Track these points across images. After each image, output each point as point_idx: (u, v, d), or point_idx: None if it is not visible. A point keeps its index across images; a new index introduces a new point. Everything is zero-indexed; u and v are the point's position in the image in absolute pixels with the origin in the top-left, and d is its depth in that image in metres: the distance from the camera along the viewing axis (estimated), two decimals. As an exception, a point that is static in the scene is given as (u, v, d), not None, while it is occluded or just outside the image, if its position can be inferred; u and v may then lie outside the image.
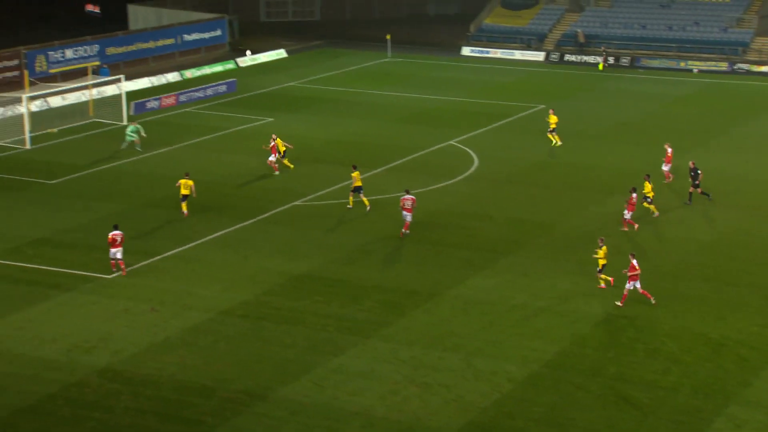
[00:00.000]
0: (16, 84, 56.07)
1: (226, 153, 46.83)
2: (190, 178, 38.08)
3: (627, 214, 36.19)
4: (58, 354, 26.96)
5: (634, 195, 36.04)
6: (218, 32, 73.18)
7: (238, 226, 37.33)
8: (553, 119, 48.68)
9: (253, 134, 49.86)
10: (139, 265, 33.33)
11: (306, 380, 26.01)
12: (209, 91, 58.83)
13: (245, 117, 54.04)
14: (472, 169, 45.18)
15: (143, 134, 43.12)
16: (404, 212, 35.80)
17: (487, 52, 73.07)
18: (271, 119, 53.96)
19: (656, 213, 37.72)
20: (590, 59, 70.49)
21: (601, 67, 68.34)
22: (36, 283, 31.57)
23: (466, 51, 73.75)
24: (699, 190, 39.20)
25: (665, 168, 42.07)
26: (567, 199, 40.16)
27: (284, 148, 43.82)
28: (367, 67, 68.95)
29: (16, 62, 58.30)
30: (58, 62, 60.56)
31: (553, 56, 71.55)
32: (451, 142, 49.50)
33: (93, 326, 28.71)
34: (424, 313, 30.25)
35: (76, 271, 32.54)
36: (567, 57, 71.36)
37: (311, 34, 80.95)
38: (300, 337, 28.46)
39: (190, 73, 64.65)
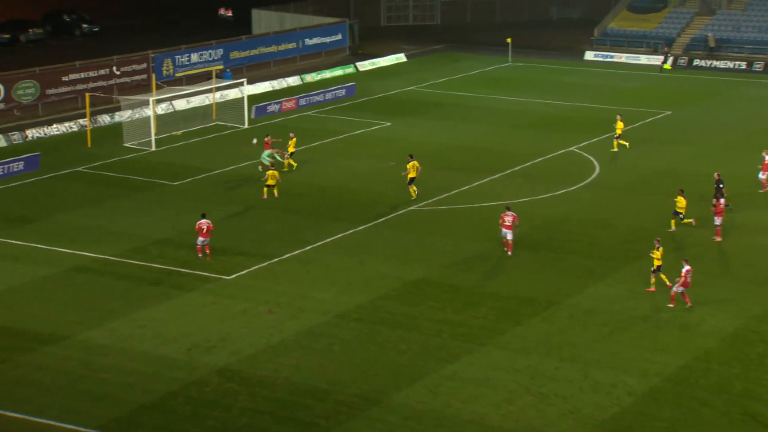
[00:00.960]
0: (144, 87, 58.04)
1: (343, 157, 47.35)
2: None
3: (717, 221, 36.03)
4: (179, 353, 27.75)
5: (722, 201, 36.15)
6: (339, 36, 74.11)
7: (354, 230, 37.68)
8: (619, 125, 47.73)
9: (372, 138, 50.25)
10: (257, 267, 33.99)
11: (420, 386, 26.03)
12: (329, 95, 59.60)
13: (364, 121, 54.51)
14: (594, 176, 44.41)
15: (279, 158, 43.23)
16: (504, 230, 34.51)
17: (611, 57, 71.71)
18: (388, 123, 54.29)
19: (693, 223, 37.06)
20: (721, 64, 68.35)
21: (668, 66, 66.77)
22: (159, 282, 32.59)
23: (589, 55, 72.54)
24: (723, 201, 37.50)
25: (762, 176, 41.07)
26: (692, 209, 39.05)
27: (293, 150, 44.57)
28: (488, 72, 68.61)
29: (144, 66, 60.35)
30: (184, 66, 62.39)
31: (681, 61, 69.64)
32: (572, 149, 48.79)
33: (212, 326, 29.44)
34: (542, 321, 29.89)
35: (197, 272, 33.44)
36: (696, 62, 69.37)
37: (431, 38, 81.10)
38: (414, 342, 28.51)
39: (310, 77, 65.66)
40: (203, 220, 34.16)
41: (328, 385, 26.09)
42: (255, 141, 47.50)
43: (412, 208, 39.99)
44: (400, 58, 72.81)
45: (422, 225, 38.28)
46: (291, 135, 45.48)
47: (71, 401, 25.13)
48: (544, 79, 65.78)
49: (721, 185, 37.75)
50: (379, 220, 38.76)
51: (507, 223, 34.62)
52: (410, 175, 39.57)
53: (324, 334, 29.11)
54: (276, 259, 34.66)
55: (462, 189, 42.56)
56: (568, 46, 74.18)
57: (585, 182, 43.43)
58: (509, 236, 34.67)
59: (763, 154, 41.40)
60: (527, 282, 32.57)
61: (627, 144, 47.97)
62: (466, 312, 30.52)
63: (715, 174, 38.78)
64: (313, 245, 36.08)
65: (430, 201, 40.83)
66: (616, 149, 47.77)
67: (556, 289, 32.08)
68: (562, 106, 57.57)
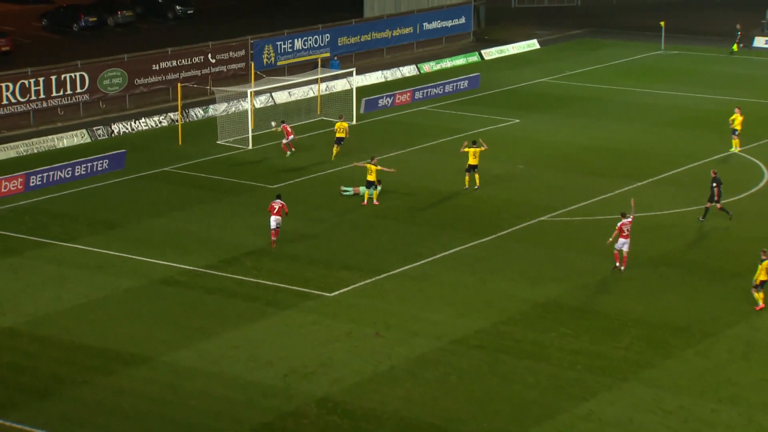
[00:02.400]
0: (242, 77, 59.16)
1: (464, 158, 47.24)
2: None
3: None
4: (275, 379, 28.11)
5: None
6: (462, 20, 74.12)
7: (475, 243, 37.53)
8: (738, 119, 46.19)
9: (497, 138, 50.04)
10: (364, 283, 34.19)
11: (549, 426, 25.71)
12: (449, 88, 59.63)
13: (489, 117, 54.34)
14: (761, 184, 43.22)
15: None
16: (621, 240, 34.06)
17: (786, 43, 69.72)
18: (517, 120, 53.96)
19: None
20: None
21: (735, 48, 65.45)
22: (254, 298, 33.10)
23: (759, 42, 70.62)
24: (719, 205, 37.91)
25: None
26: None
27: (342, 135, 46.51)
28: (636, 61, 67.55)
29: (242, 53, 61.52)
30: (287, 54, 63.39)
31: None
32: (734, 151, 47.58)
33: (312, 349, 29.72)
34: (696, 355, 29.20)
35: (296, 287, 33.84)
36: None
37: (569, 22, 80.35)
38: (543, 375, 28.20)
39: (428, 67, 65.83)
40: (277, 200, 36.14)
41: (442, 422, 25.98)
42: (274, 124, 48.68)
43: (543, 218, 39.63)
44: (533, 44, 72.33)
45: (555, 238, 37.86)
46: (340, 116, 48.12)
47: (154, 430, 25.70)
48: (702, 70, 64.34)
49: (714, 185, 38.20)
50: (503, 232, 38.54)
51: (626, 233, 34.28)
52: (471, 162, 41.34)
53: (439, 362, 29.02)
54: (385, 275, 34.79)
55: (602, 197, 41.94)
56: (732, 31, 72.28)
57: (751, 191, 42.28)
58: (625, 248, 34.32)
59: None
60: (679, 308, 31.85)
61: (735, 147, 46.41)
62: (606, 341, 30.03)
63: (711, 171, 38.98)
64: (428, 259, 36.06)
65: (564, 210, 40.37)
66: (738, 149, 46.26)
67: (713, 318, 31.27)
68: (722, 102, 56.19)
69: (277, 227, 36.55)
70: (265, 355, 29.33)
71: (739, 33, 68.24)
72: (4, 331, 30.44)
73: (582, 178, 44.37)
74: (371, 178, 41.04)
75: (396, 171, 42.27)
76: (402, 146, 49.38)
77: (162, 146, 49.64)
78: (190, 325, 31.05)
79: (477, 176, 42.31)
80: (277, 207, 36.17)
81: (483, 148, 42.40)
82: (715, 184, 38.51)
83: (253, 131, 50.04)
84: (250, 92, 51.62)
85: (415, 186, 43.70)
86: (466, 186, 42.31)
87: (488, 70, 64.95)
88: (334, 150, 47.25)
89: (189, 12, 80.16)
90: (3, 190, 41.76)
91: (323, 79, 58.02)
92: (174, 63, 58.32)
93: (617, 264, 34.62)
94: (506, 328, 30.91)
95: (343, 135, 46.90)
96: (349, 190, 42.11)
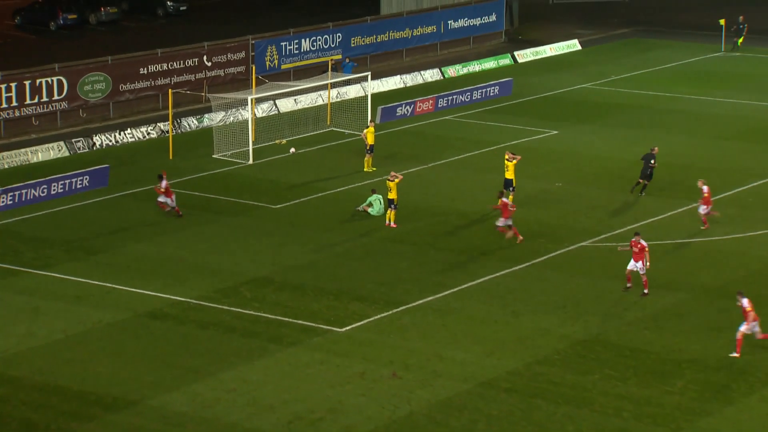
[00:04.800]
0: (241, 83, 59.44)
1: (494, 174, 47.30)
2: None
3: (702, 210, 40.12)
4: (277, 426, 28.10)
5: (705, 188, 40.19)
6: (492, 18, 74.31)
7: (506, 271, 37.52)
8: None
9: (533, 151, 50.06)
10: (379, 316, 34.21)
11: (591, 483, 25.65)
12: (477, 95, 59.73)
13: (522, 128, 54.38)
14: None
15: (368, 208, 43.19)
16: (632, 261, 34.98)
17: None
18: (555, 132, 53.98)
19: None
20: None
21: (740, 42, 66.96)
22: (253, 333, 33.17)
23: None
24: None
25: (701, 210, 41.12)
26: None
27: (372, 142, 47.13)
28: (691, 64, 67.53)
29: (242, 55, 61.78)
30: (292, 56, 63.66)
31: None
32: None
33: (320, 392, 29.72)
34: (761, 401, 29.11)
35: (301, 321, 33.87)
36: None
37: (614, 20, 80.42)
38: (585, 423, 28.12)
39: (453, 71, 65.99)
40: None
41: (468, 476, 25.99)
42: (293, 150, 49.31)
43: (583, 243, 39.59)
44: (573, 45, 72.41)
45: (597, 266, 37.80)
46: (372, 121, 48.27)
47: (139, 484, 25.79)
48: None
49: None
50: (539, 259, 38.52)
51: (637, 250, 34.85)
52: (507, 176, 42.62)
53: (465, 407, 28.99)
54: (403, 307, 34.80)
55: (652, 220, 41.87)
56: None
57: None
58: (640, 269, 34.97)
59: (699, 184, 41.01)
60: (743, 348, 31.66)
61: None
62: (657, 385, 29.94)
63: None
64: (452, 290, 36.07)
65: (608, 235, 40.32)
66: None
67: (780, 358, 31.17)
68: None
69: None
70: (267, 399, 29.33)
71: (744, 27, 68.21)
72: (-30, 371, 30.63)
73: (629, 198, 44.29)
74: (392, 196, 41.13)
75: (402, 178, 42.08)
76: (423, 161, 49.45)
77: (150, 160, 49.85)
78: (181, 365, 31.10)
79: (511, 195, 42.25)
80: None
81: (517, 159, 42.43)
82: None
83: (254, 144, 50.22)
84: (251, 100, 51.84)
85: (438, 206, 43.73)
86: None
87: (522, 74, 65.03)
88: (368, 160, 47.49)
89: (182, 9, 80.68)
90: (-30, 210, 42.09)
91: (334, 85, 58.22)
92: (164, 66, 58.67)
93: (628, 285, 35.22)
94: (542, 369, 30.83)
95: (372, 142, 47.34)
96: (369, 209, 42.18)
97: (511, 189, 42.24)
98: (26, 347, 31.96)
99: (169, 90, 53.23)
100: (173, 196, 42.38)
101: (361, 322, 33.81)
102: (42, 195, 44.08)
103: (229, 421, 28.31)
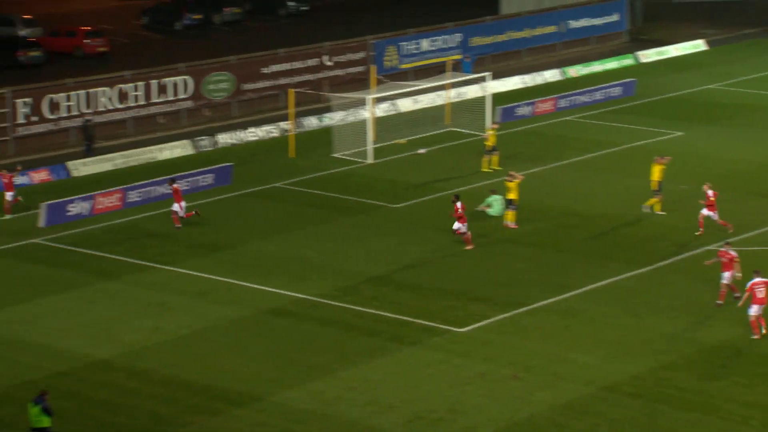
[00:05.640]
0: (361, 82, 59.77)
1: (617, 176, 46.83)
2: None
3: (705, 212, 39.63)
4: (397, 425, 28.20)
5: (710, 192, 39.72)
6: (615, 17, 73.57)
7: (630, 274, 37.15)
8: None
9: (657, 152, 49.35)
10: (500, 317, 34.13)
11: (716, 490, 25.26)
12: (599, 95, 59.23)
13: (646, 129, 53.74)
14: None
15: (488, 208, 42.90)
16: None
17: None
18: (680, 133, 53.22)
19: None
20: None
21: None
22: (374, 332, 33.34)
23: None
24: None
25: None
26: None
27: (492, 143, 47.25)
28: (819, 64, 66.04)
29: (361, 55, 62.18)
30: (412, 55, 63.84)
31: None
32: None
33: (440, 392, 29.74)
34: None
35: (421, 321, 33.93)
36: None
37: (742, 19, 78.95)
38: (711, 431, 27.74)
39: (574, 71, 65.51)
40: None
41: (590, 480, 25.80)
42: (422, 151, 49.18)
43: (710, 247, 38.98)
44: (698, 45, 71.32)
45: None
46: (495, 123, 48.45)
47: (263, 478, 26.14)
48: None
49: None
50: (664, 262, 38.08)
51: (726, 260, 34.07)
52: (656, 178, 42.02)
53: (587, 411, 28.77)
54: (524, 309, 34.68)
55: (781, 223, 41.13)
56: None
57: None
58: (728, 279, 33.99)
59: (705, 188, 40.17)
60: None
61: None
62: (785, 392, 29.42)
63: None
64: (574, 292, 35.84)
65: (736, 239, 39.59)
66: None
67: None
68: None
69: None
70: (387, 398, 29.46)
71: None
72: (100, 364, 31.27)
73: (758, 201, 43.50)
74: (511, 196, 41.01)
75: (522, 179, 41.89)
76: (543, 161, 49.18)
77: (272, 159, 50.49)
78: (303, 362, 31.43)
79: (657, 201, 41.89)
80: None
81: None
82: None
83: (374, 143, 50.46)
84: (370, 99, 52.06)
85: (559, 207, 43.45)
86: (659, 212, 42.06)
87: (645, 74, 64.25)
88: (493, 160, 47.48)
89: (303, 9, 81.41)
90: (98, 206, 43.04)
91: (454, 85, 58.20)
92: (286, 66, 59.33)
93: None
94: (667, 374, 30.44)
95: (494, 143, 47.55)
96: (488, 209, 42.12)
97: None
98: (154, 341, 32.63)
99: (291, 90, 53.80)
100: (183, 203, 41.44)
101: (481, 323, 33.76)
102: (168, 192, 44.85)
103: (349, 418, 28.50)
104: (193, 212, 41.83)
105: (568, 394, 29.51)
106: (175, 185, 41.78)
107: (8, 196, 42.42)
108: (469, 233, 39.26)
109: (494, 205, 42.24)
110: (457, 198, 39.60)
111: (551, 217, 42.47)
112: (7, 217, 41.92)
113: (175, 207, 41.37)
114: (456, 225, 39.25)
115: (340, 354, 31.88)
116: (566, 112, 57.30)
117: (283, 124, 54.27)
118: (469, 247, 39.19)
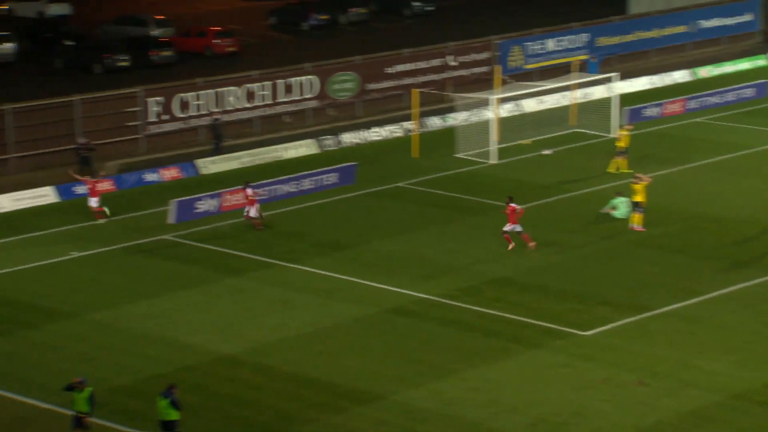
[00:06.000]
0: (485, 82, 59.64)
1: (750, 179, 45.96)
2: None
3: (508, 227, 38.93)
4: (520, 427, 28.08)
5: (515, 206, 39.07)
6: (748, 17, 72.14)
7: (761, 280, 36.49)
8: None
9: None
10: (625, 321, 33.76)
11: None
12: (730, 96, 58.22)
13: (779, 132, 52.75)
14: None
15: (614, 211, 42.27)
16: None
17: None
18: (815, 135, 52.07)
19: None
20: None
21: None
22: (495, 333, 33.26)
23: None
24: None
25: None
26: None
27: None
28: None
29: (486, 55, 62.05)
30: (537, 55, 63.48)
31: None
32: None
33: (563, 396, 29.55)
34: None
35: (544, 323, 33.76)
36: None
37: None
38: (843, 442, 27.07)
39: (705, 72, 64.44)
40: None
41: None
42: (548, 152, 48.72)
43: (844, 253, 38.02)
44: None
45: None
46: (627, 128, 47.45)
47: (385, 477, 26.28)
48: None
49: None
50: (796, 268, 37.35)
51: None
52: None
53: (715, 419, 28.31)
54: (650, 313, 34.25)
55: None
56: None
57: None
58: None
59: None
60: None
61: None
62: None
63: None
64: (703, 297, 35.31)
65: None
66: None
67: None
68: None
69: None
70: (509, 400, 29.39)
71: None
72: (226, 359, 31.76)
73: None
74: (637, 198, 40.50)
75: (650, 181, 41.31)
76: (672, 163, 48.49)
77: (395, 159, 50.69)
78: (424, 361, 31.50)
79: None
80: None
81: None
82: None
83: (497, 144, 50.31)
84: (495, 99, 51.92)
85: (688, 211, 42.80)
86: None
87: (779, 75, 62.96)
88: (621, 163, 47.01)
89: (428, 9, 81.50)
90: (225, 204, 43.73)
91: (580, 85, 57.69)
92: (410, 66, 59.50)
93: None
94: (799, 383, 29.85)
95: (626, 145, 47.12)
96: (613, 211, 41.66)
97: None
98: (278, 338, 32.99)
99: (414, 90, 53.94)
100: (257, 205, 41.42)
101: (606, 327, 33.44)
102: (292, 191, 45.44)
103: (471, 419, 28.48)
104: (259, 219, 41.59)
105: (695, 402, 29.06)
106: (248, 190, 41.72)
107: (92, 202, 42.34)
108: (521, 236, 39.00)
109: (620, 207, 41.76)
110: (511, 200, 39.32)
111: (679, 220, 41.85)
112: (101, 221, 42.39)
113: (253, 212, 41.36)
114: (507, 227, 39.01)
115: (461, 354, 31.88)
116: (696, 113, 56.39)
117: (407, 124, 54.42)
118: (532, 244, 38.96)
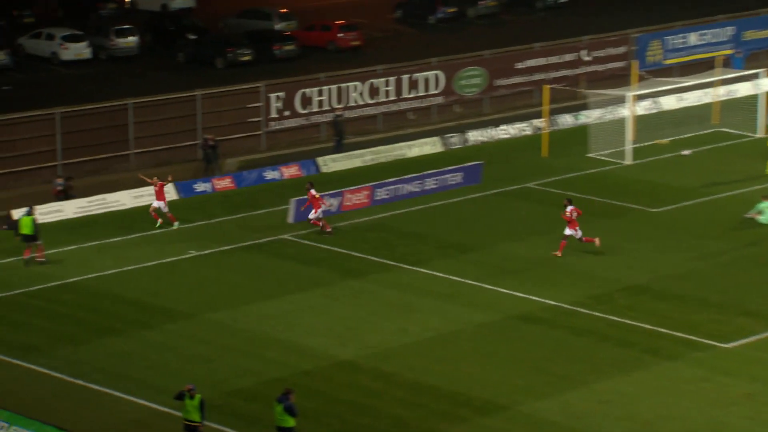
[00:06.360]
0: (621, 79, 58.71)
1: None
2: None
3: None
4: (653, 442, 27.59)
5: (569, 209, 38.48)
6: None
7: None
8: None
9: None
10: (766, 334, 32.82)
11: None
12: None
13: None
14: None
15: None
16: None
17: None
18: None
19: None
20: None
21: None
22: (629, 344, 32.65)
23: None
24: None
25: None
26: None
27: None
28: None
29: (622, 50, 61.15)
30: (677, 50, 62.37)
31: None
32: None
33: (702, 412, 28.90)
34: None
35: (681, 334, 33.08)
36: None
37: None
38: None
39: None
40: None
41: None
42: (687, 152, 47.67)
43: None
44: None
45: None
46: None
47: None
48: None
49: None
50: None
51: None
52: None
53: None
54: (796, 325, 33.39)
55: None
56: None
57: None
58: None
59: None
60: None
61: None
62: None
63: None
64: None
65: None
66: None
67: None
68: None
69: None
70: (643, 414, 28.82)
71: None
72: (345, 364, 31.72)
73: None
74: None
75: None
76: (821, 166, 47.15)
77: (524, 158, 50.24)
78: (553, 372, 31.08)
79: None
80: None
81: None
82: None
83: (633, 143, 49.53)
84: (631, 96, 51.16)
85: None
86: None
87: None
88: None
89: (561, 1, 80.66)
90: (347, 203, 43.75)
91: (723, 82, 56.44)
92: (541, 61, 58.95)
93: None
94: None
95: None
96: (759, 216, 40.57)
97: None
98: (399, 343, 32.84)
99: (546, 86, 53.34)
100: (322, 207, 40.90)
101: (749, 339, 32.68)
102: (416, 191, 45.26)
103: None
104: (320, 223, 41.04)
105: (844, 421, 28.13)
106: (312, 191, 41.17)
107: (156, 204, 41.75)
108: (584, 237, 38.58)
109: (765, 212, 40.63)
110: (570, 202, 38.74)
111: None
112: (176, 225, 42.33)
113: (319, 214, 40.88)
114: (567, 231, 38.52)
115: (592, 365, 31.38)
116: None
117: (537, 122, 53.88)
118: (597, 241, 38.64)
